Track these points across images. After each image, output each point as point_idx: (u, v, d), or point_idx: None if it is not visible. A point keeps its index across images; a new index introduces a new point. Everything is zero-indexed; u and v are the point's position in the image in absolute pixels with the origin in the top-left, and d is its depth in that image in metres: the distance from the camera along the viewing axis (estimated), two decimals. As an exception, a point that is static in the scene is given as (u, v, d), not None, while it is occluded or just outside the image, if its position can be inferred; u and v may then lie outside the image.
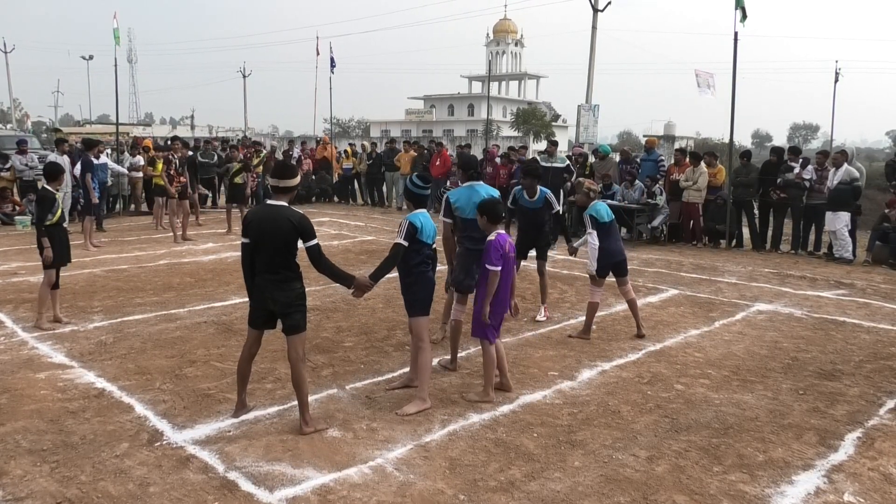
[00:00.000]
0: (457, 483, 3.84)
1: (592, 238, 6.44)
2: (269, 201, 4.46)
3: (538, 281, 7.51)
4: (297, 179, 4.60)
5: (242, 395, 4.68)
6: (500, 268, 4.87)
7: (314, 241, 4.38)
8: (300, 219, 4.36)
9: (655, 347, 6.40)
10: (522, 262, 7.49)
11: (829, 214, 11.18)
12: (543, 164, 13.24)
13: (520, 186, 7.31)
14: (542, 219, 7.30)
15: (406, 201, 5.10)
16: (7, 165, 14.70)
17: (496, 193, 5.88)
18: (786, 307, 8.03)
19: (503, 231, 5.03)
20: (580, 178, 7.14)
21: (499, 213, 5.03)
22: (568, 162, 13.02)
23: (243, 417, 4.63)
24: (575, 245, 7.10)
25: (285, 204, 4.43)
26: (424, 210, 4.96)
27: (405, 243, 4.73)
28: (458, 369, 5.70)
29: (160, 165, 13.26)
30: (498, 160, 15.99)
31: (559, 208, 7.37)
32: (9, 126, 53.53)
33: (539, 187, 7.14)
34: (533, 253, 7.50)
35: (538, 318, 7.30)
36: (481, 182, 5.99)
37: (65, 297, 7.45)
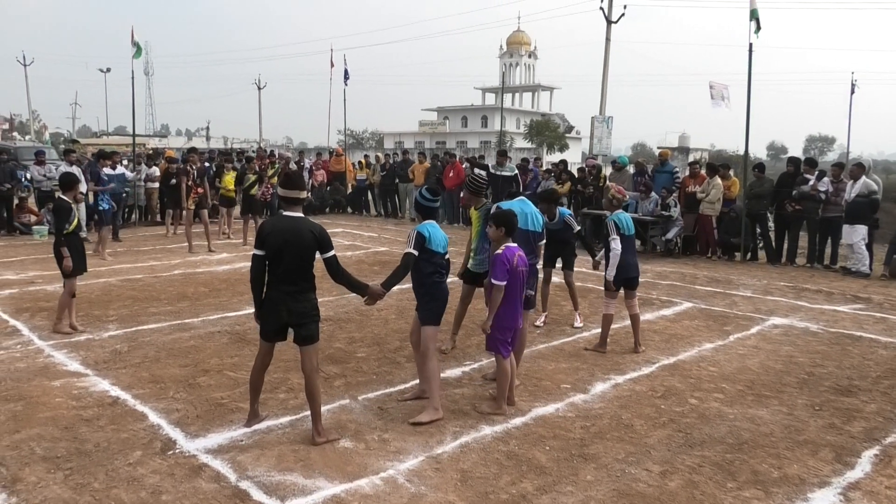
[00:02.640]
0: (468, 495, 3.82)
1: (615, 244, 6.37)
2: (285, 213, 4.47)
3: (567, 291, 7.71)
4: (305, 191, 4.66)
5: (255, 405, 4.70)
6: (504, 283, 4.85)
7: (332, 252, 4.42)
8: (321, 230, 4.40)
9: (669, 361, 6.36)
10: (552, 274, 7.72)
11: (845, 227, 11.08)
12: (493, 172, 13.48)
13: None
14: (565, 236, 7.46)
15: (416, 213, 5.16)
16: (23, 183, 14.99)
17: (541, 216, 5.97)
18: (801, 321, 7.96)
19: (513, 244, 5.01)
20: (608, 184, 7.18)
21: (514, 224, 5.04)
22: (516, 172, 13.66)
23: (256, 427, 4.64)
24: (598, 258, 7.10)
25: (302, 215, 4.46)
26: (433, 221, 5.00)
27: (415, 252, 4.77)
28: (470, 382, 5.69)
29: (229, 177, 13.73)
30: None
31: (579, 228, 7.54)
32: (27, 137, 54.32)
33: (558, 209, 7.38)
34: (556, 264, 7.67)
35: (575, 324, 7.53)
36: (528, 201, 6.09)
37: (80, 305, 7.51)
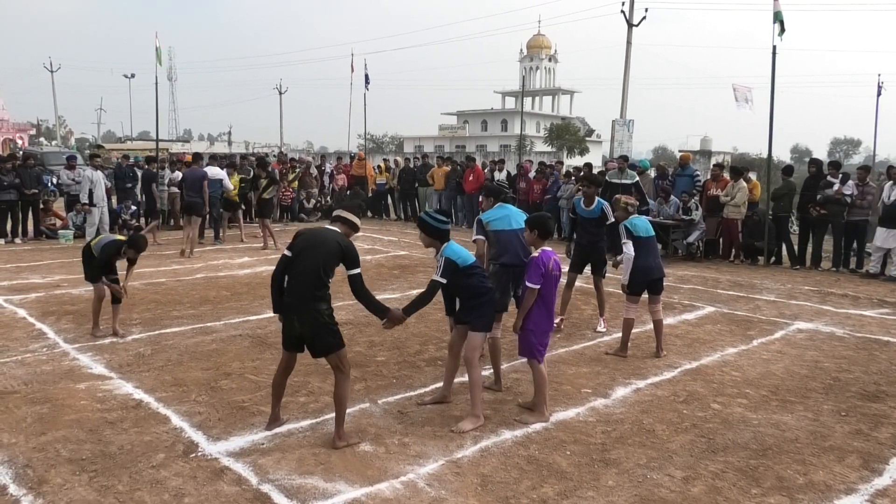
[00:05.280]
0: (488, 500, 3.81)
1: (628, 248, 6.35)
2: (326, 225, 4.50)
3: (595, 295, 7.67)
4: (359, 222, 4.64)
5: (276, 408, 4.71)
6: (538, 286, 4.83)
7: (358, 270, 4.40)
8: (348, 244, 4.41)
9: (691, 366, 6.29)
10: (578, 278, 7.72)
11: (880, 231, 10.87)
12: (613, 180, 13.15)
13: (579, 196, 7.58)
14: (597, 231, 7.44)
15: (427, 238, 4.87)
16: (50, 188, 15.30)
17: (522, 215, 5.93)
18: (827, 326, 7.85)
19: (549, 248, 5.00)
20: (616, 195, 7.11)
21: (550, 228, 5.04)
22: (637, 178, 12.89)
23: (276, 430, 4.66)
24: (618, 258, 7.03)
25: (339, 230, 4.48)
26: (451, 241, 4.84)
27: (443, 280, 4.68)
28: (490, 387, 5.65)
29: (234, 180, 14.24)
30: (532, 175, 15.97)
31: (613, 220, 7.30)
32: (53, 143, 55.25)
33: (597, 198, 7.39)
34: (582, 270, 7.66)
35: (598, 328, 7.47)
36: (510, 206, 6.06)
37: (105, 309, 7.58)
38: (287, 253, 4.43)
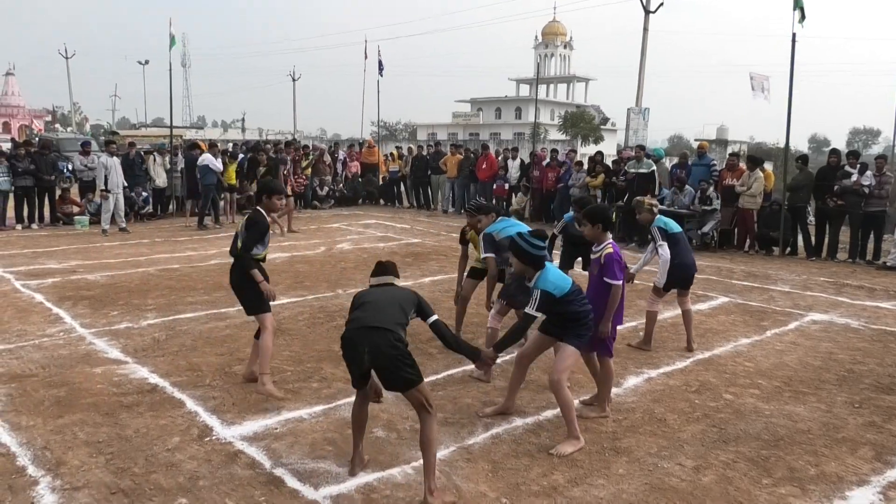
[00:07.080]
0: (499, 486, 3.84)
1: (664, 250, 6.15)
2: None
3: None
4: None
5: (359, 446, 4.03)
6: (620, 282, 4.72)
7: (436, 316, 4.01)
8: (417, 294, 4.06)
9: (704, 356, 6.28)
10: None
11: None
12: (631, 170, 13.16)
13: (570, 215, 7.19)
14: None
15: (520, 264, 4.42)
16: (65, 174, 15.41)
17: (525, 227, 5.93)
18: (842, 317, 7.79)
19: (612, 240, 4.83)
20: (638, 197, 6.87)
21: (610, 217, 4.83)
22: (654, 168, 12.89)
23: (289, 416, 4.70)
24: (632, 271, 6.59)
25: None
26: (548, 266, 4.39)
27: (537, 314, 4.29)
28: (503, 374, 5.66)
29: (231, 169, 14.64)
30: (545, 163, 15.90)
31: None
32: (69, 129, 55.64)
33: None
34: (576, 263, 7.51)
35: None
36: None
37: (120, 294, 7.66)
38: (349, 317, 3.89)
